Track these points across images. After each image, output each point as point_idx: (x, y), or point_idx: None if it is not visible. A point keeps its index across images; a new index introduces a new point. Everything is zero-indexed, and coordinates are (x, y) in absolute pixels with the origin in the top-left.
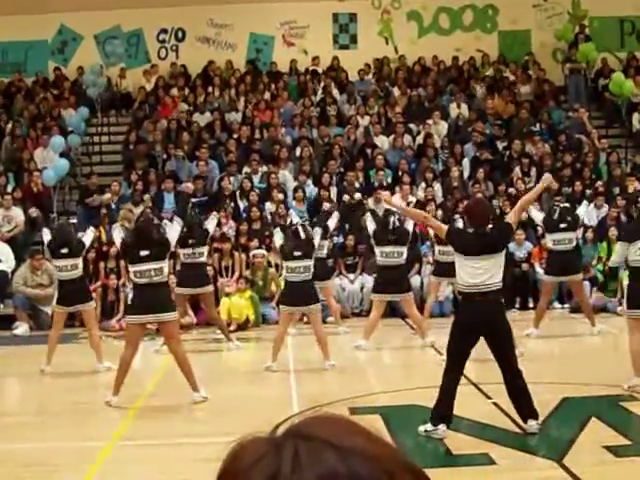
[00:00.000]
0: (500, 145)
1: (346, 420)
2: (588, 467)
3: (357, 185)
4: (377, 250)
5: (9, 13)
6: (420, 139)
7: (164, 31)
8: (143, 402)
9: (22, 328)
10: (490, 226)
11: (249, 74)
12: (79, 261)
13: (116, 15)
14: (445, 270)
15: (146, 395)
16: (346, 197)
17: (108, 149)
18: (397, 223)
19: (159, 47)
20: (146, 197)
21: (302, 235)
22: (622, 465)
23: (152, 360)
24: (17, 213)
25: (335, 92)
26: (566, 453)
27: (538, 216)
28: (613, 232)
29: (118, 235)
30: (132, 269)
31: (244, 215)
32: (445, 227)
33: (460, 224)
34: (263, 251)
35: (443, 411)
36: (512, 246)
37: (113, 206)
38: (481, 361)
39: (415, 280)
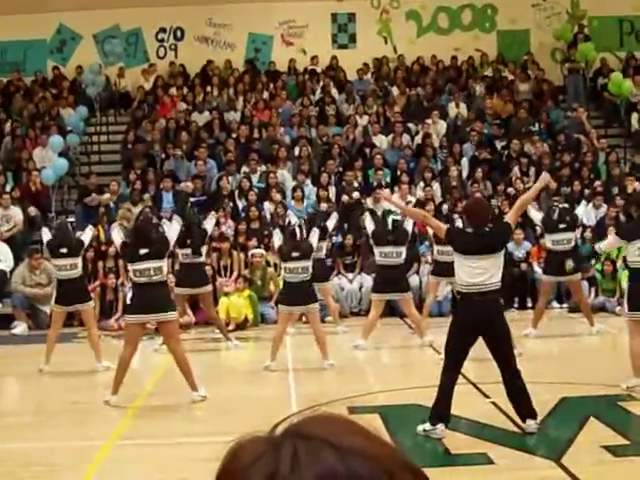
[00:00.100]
0: (499, 145)
1: (345, 419)
2: (586, 467)
3: (356, 185)
4: (376, 250)
5: (8, 12)
6: (419, 139)
7: (163, 30)
8: (142, 401)
9: (21, 327)
10: (489, 226)
11: (248, 73)
12: (78, 260)
13: (115, 14)
14: (444, 270)
15: (145, 394)
16: (345, 197)
17: (107, 148)
18: (396, 223)
19: (158, 46)
20: (146, 196)
21: (299, 236)
22: (620, 465)
23: (151, 359)
24: (16, 212)
25: (334, 92)
26: (564, 453)
27: (537, 216)
28: (612, 232)
29: (117, 235)
30: (131, 268)
31: (243, 215)
32: (444, 226)
33: (459, 224)
34: (262, 250)
35: (441, 410)
36: (511, 246)
37: (112, 205)
38: (480, 361)
39: (414, 280)
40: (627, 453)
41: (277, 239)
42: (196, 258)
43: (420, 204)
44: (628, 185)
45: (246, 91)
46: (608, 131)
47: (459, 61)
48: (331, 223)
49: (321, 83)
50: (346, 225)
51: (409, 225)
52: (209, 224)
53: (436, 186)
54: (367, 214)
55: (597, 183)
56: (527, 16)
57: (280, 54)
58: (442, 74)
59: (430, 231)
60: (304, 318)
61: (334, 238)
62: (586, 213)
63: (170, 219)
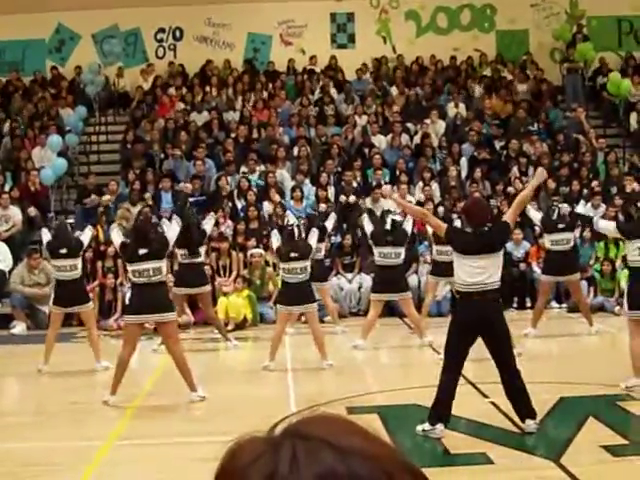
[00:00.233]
0: (498, 145)
1: (344, 419)
2: (586, 467)
3: (355, 184)
4: (375, 251)
5: (6, 12)
6: (418, 139)
7: (162, 30)
8: (141, 401)
9: (19, 327)
10: (488, 225)
11: (247, 73)
12: (78, 261)
13: (114, 14)
14: (443, 270)
15: (144, 394)
16: (343, 197)
17: (106, 148)
18: (395, 223)
19: (157, 46)
20: (147, 195)
21: (297, 236)
22: (620, 465)
23: (150, 359)
24: (15, 212)
25: (333, 91)
26: (564, 452)
27: (536, 216)
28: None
29: (117, 235)
30: (130, 268)
31: (242, 215)
32: (444, 225)
33: (458, 223)
34: (261, 250)
35: (441, 411)
36: (510, 246)
37: (111, 205)
38: (479, 360)
39: (412, 279)
40: (626, 453)
41: (275, 240)
42: (195, 258)
43: (419, 204)
44: (627, 185)
45: (245, 91)
46: (607, 131)
47: (458, 61)
48: (330, 223)
49: (320, 83)
50: (345, 225)
51: (408, 225)
52: (208, 225)
53: (435, 186)
54: (365, 215)
55: (594, 183)
56: (526, 16)
57: (279, 54)
58: (441, 74)
59: (429, 231)
60: (303, 318)
61: (333, 238)
62: (585, 213)
63: (170, 219)
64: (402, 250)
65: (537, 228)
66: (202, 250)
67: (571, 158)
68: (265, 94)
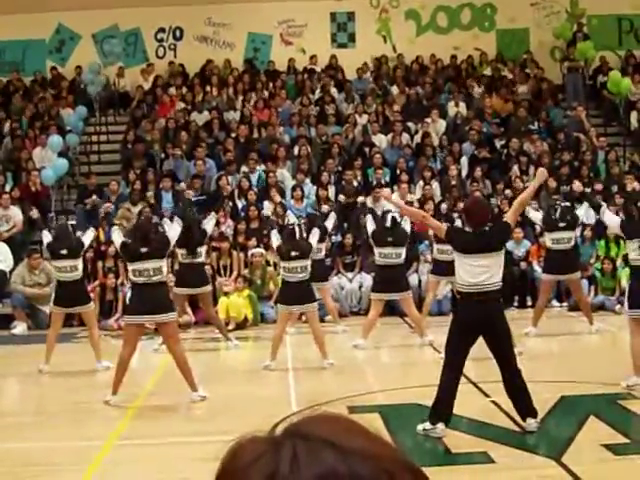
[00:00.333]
0: (498, 144)
1: (345, 419)
2: (587, 465)
3: (355, 184)
4: (376, 251)
5: (6, 12)
6: (418, 138)
7: (162, 30)
8: (142, 401)
9: (20, 327)
10: (489, 225)
11: (247, 73)
12: (79, 262)
13: (114, 14)
14: (444, 269)
15: (145, 394)
16: (342, 197)
17: (106, 148)
18: (395, 220)
19: (157, 46)
20: (149, 194)
21: (298, 235)
22: (621, 463)
23: (151, 359)
24: (15, 213)
25: (333, 91)
26: (565, 451)
27: (537, 216)
28: (611, 230)
29: (117, 236)
30: (131, 267)
31: (242, 214)
32: (444, 226)
33: (458, 223)
34: (261, 250)
35: (442, 410)
36: (510, 244)
37: (112, 207)
38: (480, 359)
39: (413, 279)
40: (627, 452)
41: (275, 239)
42: (195, 258)
43: (420, 203)
44: (627, 183)
45: (245, 91)
46: (607, 130)
47: (458, 60)
48: (330, 223)
49: (320, 82)
50: (345, 224)
51: (407, 225)
52: (209, 224)
53: (435, 185)
54: (369, 216)
55: (597, 186)
56: (526, 15)
57: (279, 53)
58: (441, 73)
59: (430, 230)
60: (304, 317)
61: (333, 237)
62: (585, 212)
63: (171, 219)
64: (402, 250)
65: (538, 227)
66: (203, 250)
67: (571, 157)
68: (265, 94)
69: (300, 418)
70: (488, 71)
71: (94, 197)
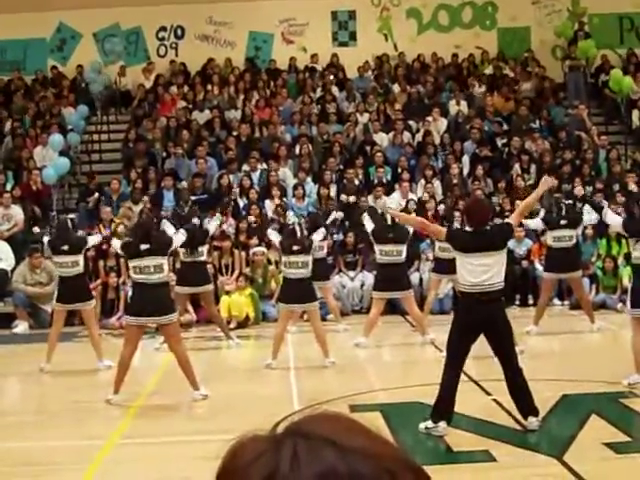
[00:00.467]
0: (499, 142)
1: (346, 418)
2: (589, 464)
3: (356, 182)
4: (377, 248)
5: (8, 11)
6: (420, 136)
7: (163, 29)
8: (143, 400)
9: (22, 326)
10: (490, 224)
11: (248, 72)
12: (79, 258)
13: (115, 13)
14: (445, 267)
15: (146, 393)
16: (344, 197)
17: (107, 147)
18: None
19: (158, 45)
20: (144, 199)
21: (299, 234)
22: (622, 462)
23: (152, 358)
24: (16, 212)
25: (334, 89)
26: (566, 450)
27: (537, 224)
28: (612, 229)
29: (117, 243)
30: (131, 264)
31: (244, 213)
32: (443, 229)
33: (457, 225)
34: (263, 249)
35: (443, 408)
36: (512, 243)
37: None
38: (481, 358)
39: (414, 277)
40: (629, 450)
41: (274, 237)
42: (197, 257)
43: (421, 202)
44: (629, 182)
45: (247, 89)
46: (609, 128)
47: (460, 58)
48: (330, 219)
49: (322, 81)
50: (347, 223)
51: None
52: (212, 225)
53: (437, 184)
54: (365, 214)
55: (598, 186)
56: (527, 13)
57: (280, 52)
58: (443, 72)
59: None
60: (305, 316)
61: (335, 236)
62: (586, 210)
63: (172, 218)
64: (403, 247)
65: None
66: (204, 249)
67: (573, 155)
68: (267, 92)
69: (301, 417)
70: (489, 70)
71: (96, 195)
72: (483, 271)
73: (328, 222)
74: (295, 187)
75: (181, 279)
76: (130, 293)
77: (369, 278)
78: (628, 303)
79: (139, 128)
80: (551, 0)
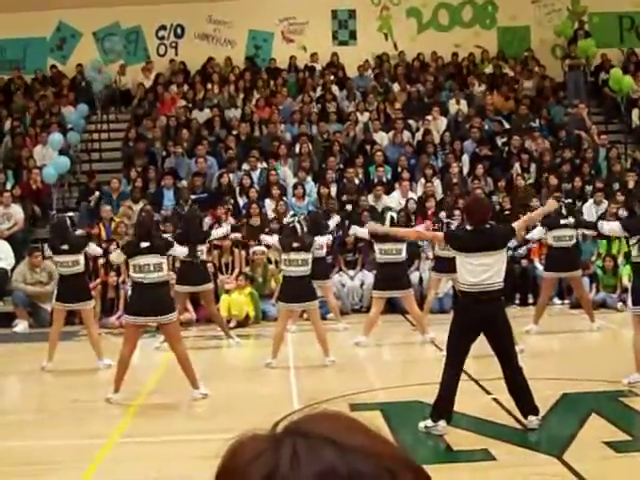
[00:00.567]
0: (499, 141)
1: (346, 417)
2: (589, 463)
3: (356, 182)
4: (376, 247)
5: (8, 10)
6: (419, 135)
7: (163, 28)
8: (143, 399)
9: (22, 326)
10: (490, 223)
11: (248, 71)
12: (79, 257)
13: (115, 12)
14: (445, 266)
15: (146, 392)
16: (344, 197)
17: (107, 146)
18: (393, 219)
19: (158, 44)
20: (142, 205)
21: (299, 231)
22: (622, 461)
23: (152, 357)
24: (16, 211)
25: (334, 88)
26: (566, 449)
27: (541, 232)
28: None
29: (119, 255)
30: (132, 263)
31: (244, 212)
32: (440, 234)
33: (454, 226)
34: (263, 248)
35: (443, 407)
36: (512, 242)
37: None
38: (481, 357)
39: (414, 276)
40: (629, 449)
41: (269, 240)
42: (196, 257)
43: (421, 201)
44: (629, 181)
45: (247, 88)
46: (609, 127)
47: (459, 58)
48: (332, 222)
49: (322, 80)
50: (347, 222)
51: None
52: (218, 231)
53: (437, 183)
54: (353, 228)
55: (598, 185)
56: (527, 12)
57: (280, 51)
58: (442, 71)
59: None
60: (305, 315)
61: (335, 234)
62: (587, 209)
63: (172, 217)
64: (403, 246)
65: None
66: (204, 248)
67: (573, 154)
68: (267, 91)
69: (301, 416)
70: (489, 69)
71: (97, 194)
72: (483, 271)
73: (331, 228)
74: (295, 186)
75: (181, 278)
76: (130, 292)
77: (369, 277)
78: (629, 301)
79: (139, 127)
80: None
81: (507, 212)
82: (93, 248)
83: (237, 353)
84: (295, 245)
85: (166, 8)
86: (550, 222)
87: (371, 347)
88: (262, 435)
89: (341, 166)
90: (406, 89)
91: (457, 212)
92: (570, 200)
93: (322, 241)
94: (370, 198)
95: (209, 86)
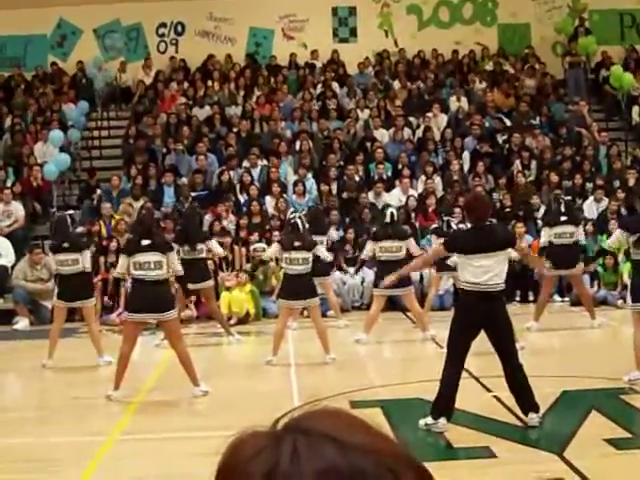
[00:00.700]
0: (500, 138)
1: (346, 414)
2: (589, 460)
3: (357, 179)
4: (376, 245)
5: (8, 7)
6: (420, 132)
7: (163, 25)
8: (144, 396)
9: (22, 323)
10: (491, 220)
11: (248, 68)
12: (79, 256)
13: (115, 9)
14: (446, 264)
15: (147, 389)
16: (345, 194)
17: (108, 143)
18: (393, 215)
19: (158, 41)
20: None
21: (301, 228)
22: (623, 458)
23: (153, 354)
24: (17, 208)
25: (335, 86)
26: (567, 446)
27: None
28: (613, 225)
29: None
30: (132, 261)
31: (244, 209)
32: (440, 248)
33: (454, 224)
34: (263, 245)
35: (444, 405)
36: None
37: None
38: (482, 354)
39: (414, 274)
40: (629, 446)
41: (274, 250)
42: (197, 254)
43: (421, 198)
44: (629, 178)
45: (247, 85)
46: (609, 124)
47: (460, 55)
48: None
49: (322, 77)
50: (347, 219)
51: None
52: (215, 247)
53: (437, 180)
54: (318, 247)
55: (599, 182)
56: (528, 10)
57: (281, 48)
58: (443, 68)
59: (433, 225)
60: (305, 312)
61: (334, 233)
62: (587, 207)
63: (172, 214)
64: (402, 244)
65: (539, 222)
66: (204, 246)
67: (573, 152)
68: (267, 89)
69: (301, 413)
70: (490, 66)
71: (99, 192)
72: (483, 272)
73: (332, 239)
74: (295, 183)
75: (181, 275)
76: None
77: (369, 274)
78: (628, 298)
79: (139, 124)
80: None
81: (508, 209)
82: (215, 246)
83: (237, 350)
84: (296, 244)
85: (166, 5)
86: (550, 219)
87: (372, 344)
88: (262, 432)
89: (341, 163)
90: (406, 86)
91: (457, 210)
92: (569, 197)
93: (324, 254)
94: (370, 195)
95: (209, 83)
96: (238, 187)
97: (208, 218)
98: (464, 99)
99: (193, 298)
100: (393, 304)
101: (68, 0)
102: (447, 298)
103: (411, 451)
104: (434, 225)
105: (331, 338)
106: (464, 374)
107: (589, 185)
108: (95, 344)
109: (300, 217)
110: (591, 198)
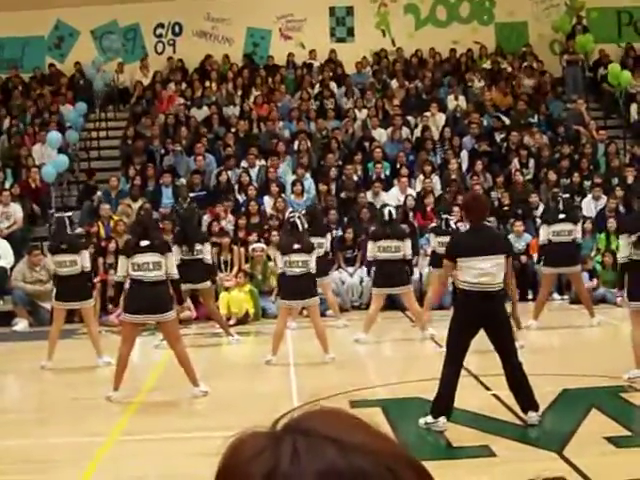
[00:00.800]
0: (498, 137)
1: (346, 414)
2: (589, 458)
3: (355, 178)
4: (375, 245)
5: (6, 9)
6: (418, 131)
7: (161, 25)
8: (143, 397)
9: (21, 324)
10: (489, 220)
11: (246, 68)
12: (78, 257)
13: (113, 10)
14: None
15: (146, 390)
16: (343, 194)
17: (106, 144)
18: (391, 213)
19: (156, 42)
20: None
21: (300, 227)
22: (623, 456)
23: (152, 355)
24: (15, 209)
25: (333, 85)
26: (566, 444)
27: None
28: (612, 223)
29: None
30: (131, 262)
31: (242, 209)
32: (448, 262)
33: (452, 222)
34: (262, 245)
35: (443, 404)
36: (511, 238)
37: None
38: (481, 353)
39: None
40: (629, 444)
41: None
42: (196, 254)
43: (420, 197)
44: (628, 176)
45: (245, 86)
46: (607, 122)
47: (458, 54)
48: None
49: (320, 77)
50: (345, 219)
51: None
52: (208, 256)
53: (436, 179)
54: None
55: (597, 180)
56: (525, 8)
57: (278, 48)
58: (440, 67)
59: (432, 224)
60: (305, 312)
61: (334, 232)
62: (586, 205)
63: (171, 214)
64: (401, 244)
65: (538, 220)
66: (202, 247)
67: (571, 150)
68: (265, 88)
69: (301, 413)
70: (487, 64)
71: (99, 193)
72: (482, 274)
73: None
74: (294, 183)
75: (180, 276)
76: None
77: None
78: (626, 296)
79: (137, 125)
80: None
81: (506, 208)
82: (207, 251)
83: (237, 350)
84: (296, 247)
85: (164, 6)
86: (549, 217)
87: (371, 344)
88: (262, 433)
89: (340, 163)
90: (404, 85)
91: (455, 208)
92: (568, 195)
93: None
94: (369, 195)
95: (207, 84)
96: (236, 187)
97: (206, 218)
98: (462, 98)
99: (188, 301)
100: (392, 303)
101: (65, 2)
102: (446, 297)
103: (410, 451)
104: (432, 224)
105: (330, 338)
106: (463, 373)
107: (587, 183)
108: (94, 345)
109: (299, 217)
110: (589, 196)
